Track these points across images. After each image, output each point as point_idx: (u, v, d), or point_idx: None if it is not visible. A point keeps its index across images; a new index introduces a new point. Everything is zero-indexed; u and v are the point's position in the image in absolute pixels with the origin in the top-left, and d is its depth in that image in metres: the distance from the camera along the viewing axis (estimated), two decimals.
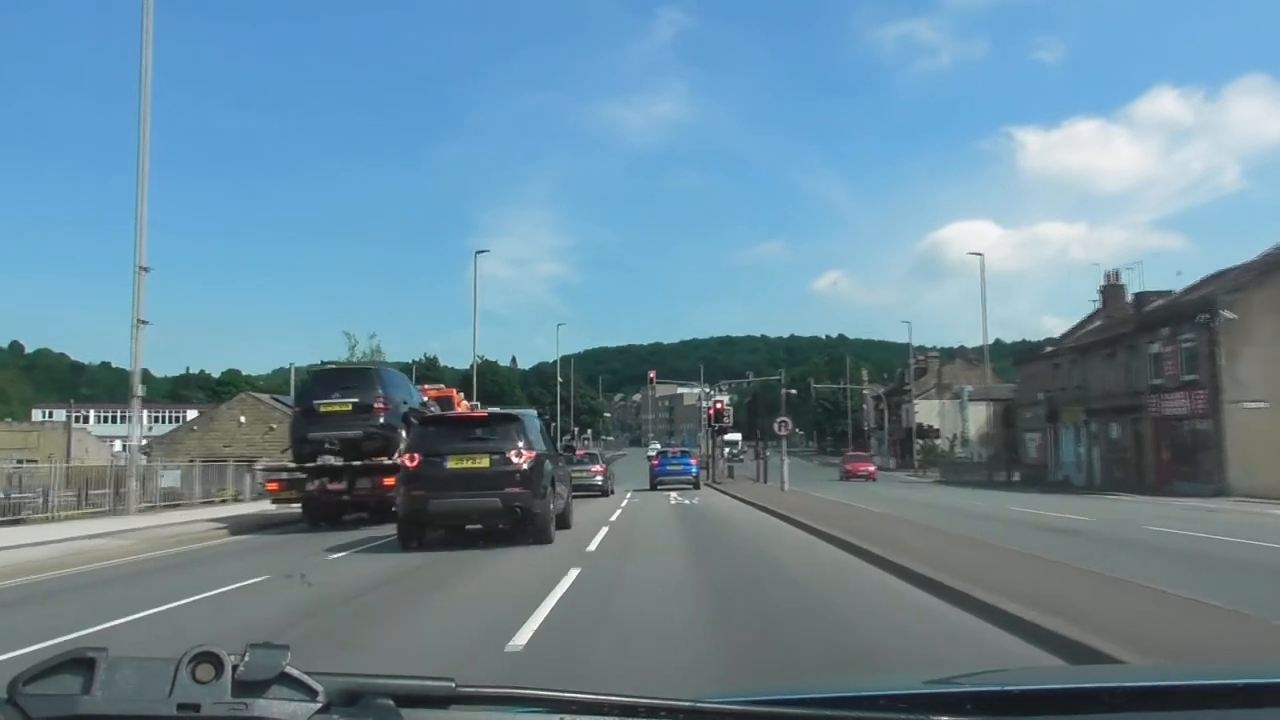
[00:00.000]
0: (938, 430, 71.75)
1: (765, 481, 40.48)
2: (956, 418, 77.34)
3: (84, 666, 1.02)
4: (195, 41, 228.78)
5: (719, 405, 45.14)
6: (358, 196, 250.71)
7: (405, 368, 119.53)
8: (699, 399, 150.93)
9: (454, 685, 1.10)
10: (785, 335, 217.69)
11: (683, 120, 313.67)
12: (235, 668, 1.02)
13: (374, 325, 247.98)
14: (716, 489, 36.89)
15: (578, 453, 39.06)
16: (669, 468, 38.10)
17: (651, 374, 74.51)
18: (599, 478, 35.52)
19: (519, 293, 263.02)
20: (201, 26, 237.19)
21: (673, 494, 33.80)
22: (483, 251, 50.80)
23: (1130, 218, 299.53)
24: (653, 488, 37.20)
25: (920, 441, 78.09)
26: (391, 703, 1.07)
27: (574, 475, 34.19)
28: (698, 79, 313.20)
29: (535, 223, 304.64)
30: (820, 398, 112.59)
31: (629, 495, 34.76)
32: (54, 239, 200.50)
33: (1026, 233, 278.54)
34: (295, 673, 1.03)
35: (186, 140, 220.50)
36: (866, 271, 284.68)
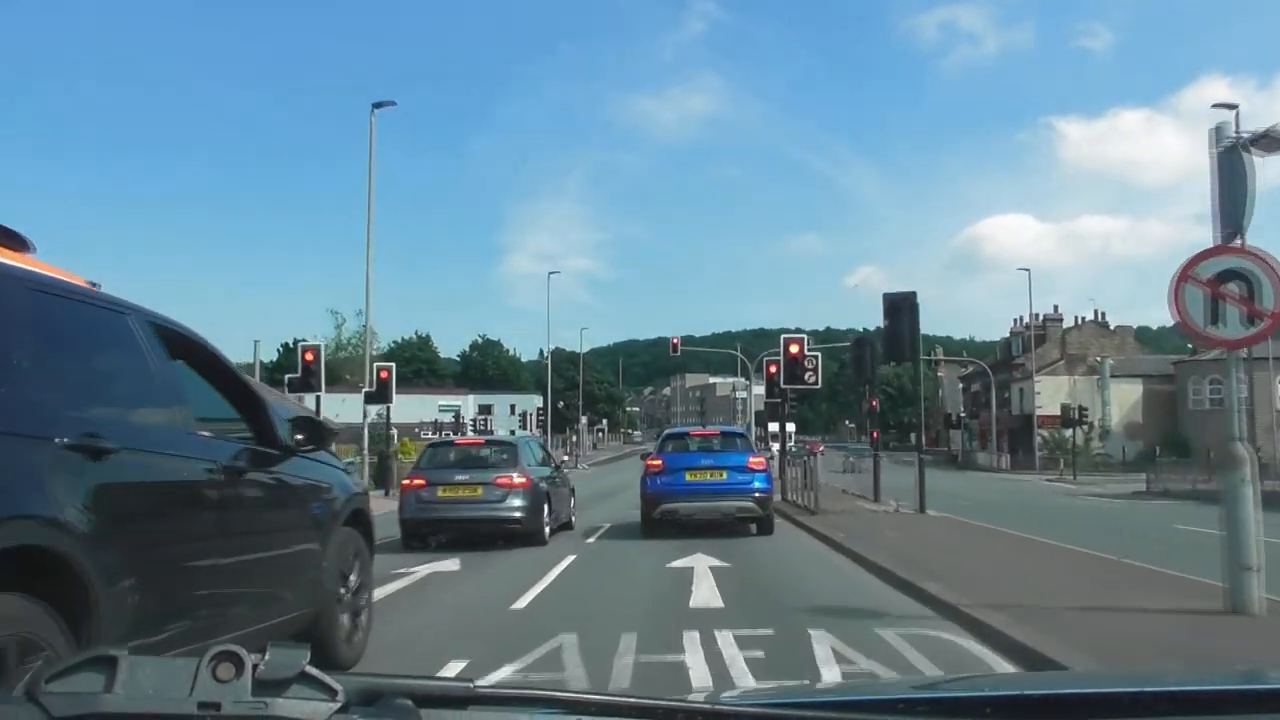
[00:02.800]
0: (1086, 413, 47.86)
1: (922, 509, 17.04)
2: (1092, 400, 53.63)
3: (106, 665, 0.97)
4: (226, 29, 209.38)
5: (796, 350, 22.05)
6: (387, 188, 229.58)
7: (401, 346, 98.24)
8: (733, 388, 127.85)
9: (472, 686, 1.05)
10: (820, 328, 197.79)
11: (716, 114, 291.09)
12: (256, 667, 0.96)
13: (397, 316, 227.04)
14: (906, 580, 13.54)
15: (459, 442, 16.16)
16: (691, 478, 14.02)
17: (675, 340, 51.97)
18: (513, 501, 12.82)
19: (550, 288, 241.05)
20: (233, 13, 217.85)
21: (701, 566, 10.47)
22: (383, 105, 26.79)
23: (1174, 210, 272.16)
24: (650, 522, 14.07)
25: (1044, 433, 54.42)
26: (410, 703, 1.01)
27: (449, 494, 11.95)
28: (731, 72, 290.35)
29: (567, 218, 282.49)
30: (883, 382, 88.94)
31: (565, 565, 11.30)
32: (73, 231, 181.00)
33: (1066, 227, 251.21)
34: (315, 672, 0.97)
35: (216, 126, 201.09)
36: (902, 265, 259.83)
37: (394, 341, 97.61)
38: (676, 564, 10.68)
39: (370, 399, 27.23)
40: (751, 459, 14.17)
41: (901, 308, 16.78)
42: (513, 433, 62.73)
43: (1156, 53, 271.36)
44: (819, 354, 23.00)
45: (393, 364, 28.15)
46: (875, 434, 21.90)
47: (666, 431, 16.69)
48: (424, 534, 13.24)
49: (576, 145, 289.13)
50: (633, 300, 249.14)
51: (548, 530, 13.56)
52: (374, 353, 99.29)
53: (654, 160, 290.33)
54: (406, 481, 13.29)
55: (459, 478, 12.96)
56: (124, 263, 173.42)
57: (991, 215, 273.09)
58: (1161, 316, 65.19)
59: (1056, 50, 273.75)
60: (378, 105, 30.93)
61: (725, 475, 13.95)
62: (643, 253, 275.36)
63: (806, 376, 22.33)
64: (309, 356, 22.18)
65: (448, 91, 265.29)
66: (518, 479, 13.02)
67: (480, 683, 1.05)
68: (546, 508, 13.67)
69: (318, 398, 26.71)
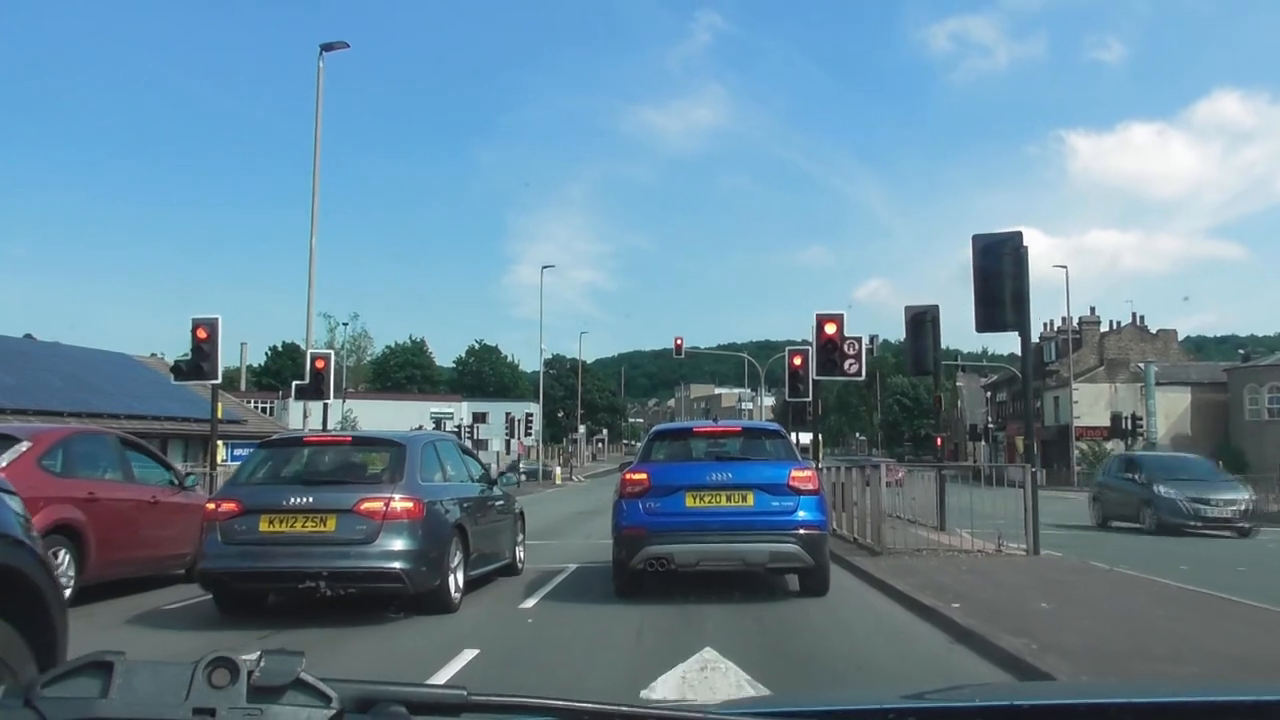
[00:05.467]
0: (1140, 423, 42.03)
1: (1035, 549, 11.17)
2: (1136, 409, 47.81)
3: (102, 670, 0.96)
4: (220, 32, 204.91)
5: (833, 331, 16.43)
6: (387, 197, 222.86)
7: (394, 350, 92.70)
8: (739, 399, 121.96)
9: (466, 693, 1.02)
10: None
11: (721, 126, 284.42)
12: (251, 673, 0.95)
13: (398, 324, 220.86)
14: None
15: (309, 439, 10.51)
16: (695, 502, 8.30)
17: (679, 339, 46.51)
18: (389, 542, 7.20)
19: (554, 298, 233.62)
20: (234, 17, 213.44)
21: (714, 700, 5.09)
22: (334, 48, 21.06)
23: (1184, 225, 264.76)
24: (628, 575, 8.51)
25: (1083, 445, 48.62)
26: (404, 709, 1.00)
27: (278, 529, 6.43)
28: (737, 84, 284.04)
29: (572, 228, 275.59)
30: (898, 392, 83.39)
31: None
32: (71, 235, 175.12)
33: (1075, 241, 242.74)
34: (310, 679, 0.95)
35: (206, 126, 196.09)
36: (909, 278, 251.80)
37: (388, 346, 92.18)
38: (663, 689, 5.06)
39: (303, 393, 21.71)
40: (795, 472, 8.46)
41: (924, 321, 11.91)
42: (499, 439, 56.74)
43: (1169, 66, 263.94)
44: (862, 337, 17.35)
45: (330, 353, 22.57)
46: (939, 440, 16.27)
47: (656, 428, 10.57)
48: (241, 592, 7.71)
49: (581, 156, 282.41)
50: (637, 311, 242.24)
51: (457, 588, 7.98)
52: (368, 358, 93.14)
53: (659, 172, 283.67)
54: (211, 506, 7.67)
55: (295, 500, 7.35)
56: (105, 264, 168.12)
57: (999, 229, 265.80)
58: (1185, 328, 59.67)
59: (1068, 63, 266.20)
60: (327, 47, 25.64)
61: (751, 499, 8.30)
62: (647, 264, 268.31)
63: (847, 365, 16.71)
64: (202, 334, 16.55)
65: (452, 99, 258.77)
66: (399, 503, 7.42)
67: (473, 690, 1.03)
68: (458, 551, 8.08)
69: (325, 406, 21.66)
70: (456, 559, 8.06)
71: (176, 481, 10.26)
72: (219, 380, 17.28)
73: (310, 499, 7.35)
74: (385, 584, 7.34)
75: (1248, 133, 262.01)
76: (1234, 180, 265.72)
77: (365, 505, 7.34)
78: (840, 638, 6.79)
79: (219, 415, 17.98)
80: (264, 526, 7.32)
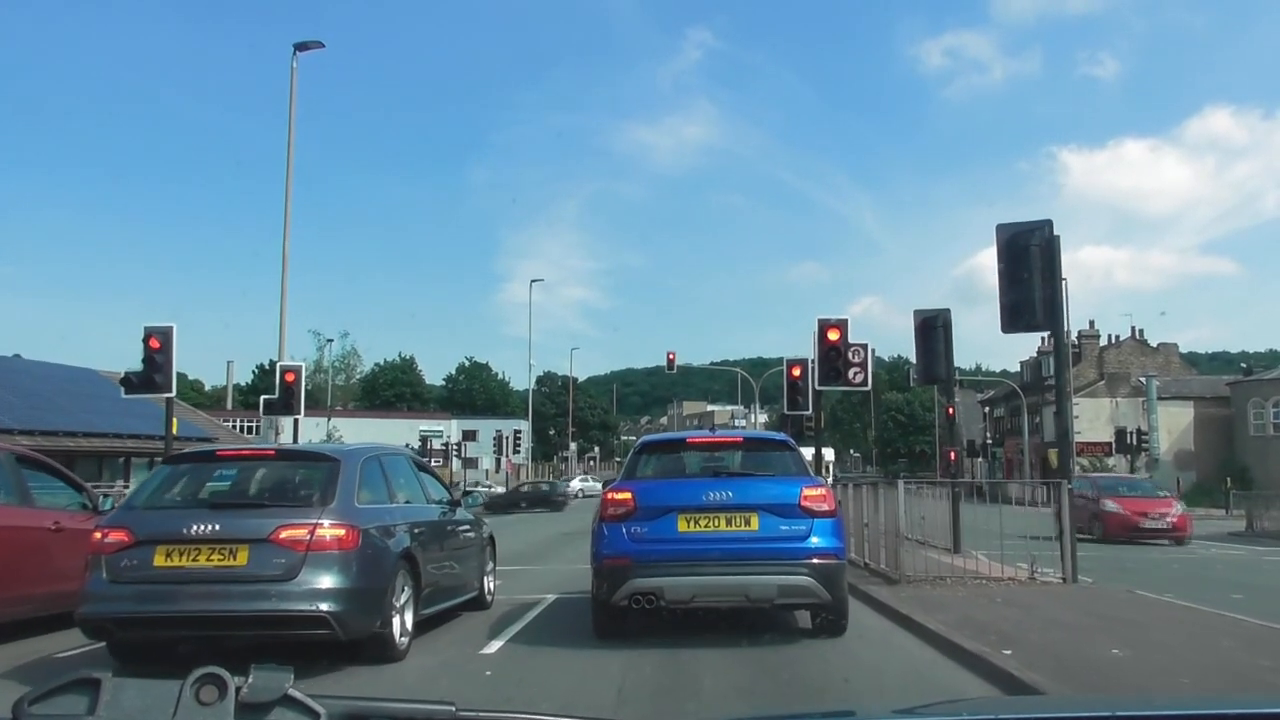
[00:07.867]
0: (1146, 437, 40.75)
1: (1073, 576, 9.79)
2: (1137, 424, 46.59)
3: (89, 687, 0.96)
4: (224, 55, 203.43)
5: (835, 337, 15.12)
6: (386, 216, 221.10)
7: (384, 368, 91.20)
8: (732, 415, 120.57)
9: (454, 709, 1.02)
10: None
11: (713, 143, 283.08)
12: (239, 689, 0.94)
13: (389, 341, 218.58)
14: None
15: (222, 453, 8.88)
16: (689, 527, 6.90)
17: (671, 354, 45.17)
18: (315, 579, 5.85)
19: (546, 315, 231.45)
20: (228, 41, 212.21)
21: None
22: (309, 47, 19.79)
23: (1177, 241, 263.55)
24: (609, 613, 7.17)
25: (1084, 461, 47.27)
26: None
27: (176, 563, 5.16)
28: (729, 101, 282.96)
29: (564, 246, 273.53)
30: (892, 408, 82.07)
31: None
32: (63, 252, 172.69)
33: (1069, 257, 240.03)
34: (298, 695, 0.96)
35: (199, 144, 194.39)
36: (902, 294, 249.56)
37: (377, 364, 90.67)
38: None
39: (271, 408, 20.30)
40: (807, 490, 7.10)
41: (934, 327, 12.18)
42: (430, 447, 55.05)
43: (1162, 82, 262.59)
44: (867, 344, 16.02)
45: (300, 365, 21.13)
46: (953, 455, 14.88)
47: (643, 439, 9.23)
48: (133, 642, 6.31)
49: (573, 173, 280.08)
50: (630, 329, 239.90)
51: (404, 631, 6.58)
52: (357, 376, 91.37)
53: (651, 189, 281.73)
54: (96, 536, 6.27)
55: (199, 528, 5.95)
56: (97, 281, 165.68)
57: (991, 245, 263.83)
58: (1178, 344, 58.44)
59: (1061, 79, 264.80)
60: (301, 47, 24.42)
61: (755, 522, 6.93)
62: (640, 281, 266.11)
63: (851, 374, 15.35)
64: (154, 344, 15.09)
65: (444, 117, 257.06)
66: (328, 530, 6.03)
67: (461, 706, 1.00)
68: (406, 586, 6.68)
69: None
70: (404, 596, 6.66)
71: (90, 504, 8.84)
72: (173, 393, 15.87)
73: (217, 526, 5.95)
74: (310, 630, 5.95)
75: (1239, 149, 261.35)
76: (1226, 196, 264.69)
77: (285, 534, 5.95)
78: (870, 698, 5.41)
79: (174, 431, 16.53)
80: (159, 561, 5.92)
